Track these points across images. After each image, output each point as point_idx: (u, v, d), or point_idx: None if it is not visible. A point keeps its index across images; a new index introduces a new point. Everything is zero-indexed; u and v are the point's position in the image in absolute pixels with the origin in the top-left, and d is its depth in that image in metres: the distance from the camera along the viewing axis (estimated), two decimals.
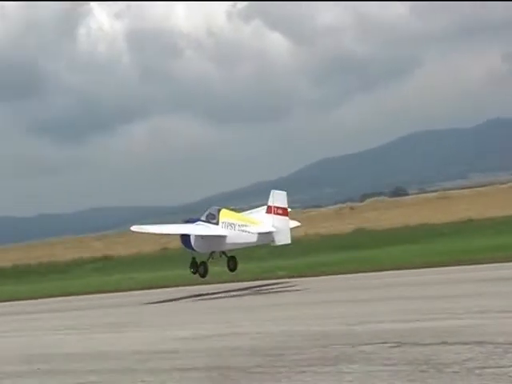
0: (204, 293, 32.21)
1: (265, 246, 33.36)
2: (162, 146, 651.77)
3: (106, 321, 24.58)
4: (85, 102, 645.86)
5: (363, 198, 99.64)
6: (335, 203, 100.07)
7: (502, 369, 10.07)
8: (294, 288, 30.30)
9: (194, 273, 33.84)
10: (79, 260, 61.94)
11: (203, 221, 33.00)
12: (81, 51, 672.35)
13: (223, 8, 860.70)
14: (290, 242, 31.02)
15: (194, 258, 33.61)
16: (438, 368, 10.53)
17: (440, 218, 56.18)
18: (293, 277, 35.62)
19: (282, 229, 30.67)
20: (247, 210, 35.80)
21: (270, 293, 30.46)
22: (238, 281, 36.08)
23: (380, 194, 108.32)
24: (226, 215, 32.71)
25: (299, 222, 35.52)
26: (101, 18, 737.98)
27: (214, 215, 32.82)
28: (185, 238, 33.22)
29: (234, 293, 31.51)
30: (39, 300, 40.82)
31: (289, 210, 31.40)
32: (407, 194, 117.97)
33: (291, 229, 31.58)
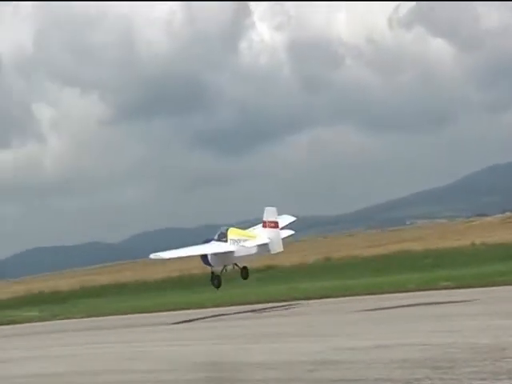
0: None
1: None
2: (323, 156, 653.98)
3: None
4: (247, 113, 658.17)
5: None
6: (503, 212, 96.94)
7: None
8: (460, 299, 29.60)
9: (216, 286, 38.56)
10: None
11: (216, 240, 38.26)
12: (243, 63, 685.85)
13: (384, 15, 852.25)
14: (282, 249, 36.16)
15: (213, 273, 38.58)
16: None
17: None
18: (459, 287, 34.86)
19: (274, 239, 35.97)
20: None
21: (435, 303, 29.91)
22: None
23: None
24: (232, 233, 37.96)
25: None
26: (262, 30, 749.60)
27: (223, 234, 38.13)
28: (203, 256, 38.39)
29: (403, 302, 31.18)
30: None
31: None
32: None
33: (284, 238, 36.76)
